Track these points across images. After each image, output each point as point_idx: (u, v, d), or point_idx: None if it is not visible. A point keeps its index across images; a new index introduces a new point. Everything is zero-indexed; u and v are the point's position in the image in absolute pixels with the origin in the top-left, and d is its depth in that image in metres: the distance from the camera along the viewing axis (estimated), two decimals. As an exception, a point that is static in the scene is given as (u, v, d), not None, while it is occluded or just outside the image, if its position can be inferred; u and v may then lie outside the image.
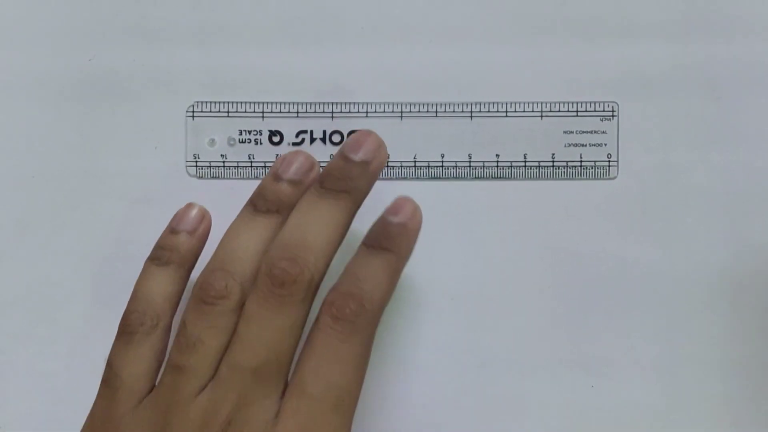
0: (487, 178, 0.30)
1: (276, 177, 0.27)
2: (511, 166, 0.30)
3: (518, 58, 0.30)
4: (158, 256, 0.27)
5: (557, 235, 0.30)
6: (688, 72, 0.30)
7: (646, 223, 0.30)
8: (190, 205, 0.28)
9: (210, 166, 0.30)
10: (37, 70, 0.30)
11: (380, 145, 0.26)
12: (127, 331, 0.26)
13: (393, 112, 0.30)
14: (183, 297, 0.27)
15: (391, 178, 0.30)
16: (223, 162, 0.30)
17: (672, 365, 0.29)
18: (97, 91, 0.30)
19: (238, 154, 0.30)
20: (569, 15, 0.30)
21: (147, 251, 0.29)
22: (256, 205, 0.26)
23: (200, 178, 0.30)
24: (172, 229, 0.27)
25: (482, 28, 0.30)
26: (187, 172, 0.30)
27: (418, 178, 0.30)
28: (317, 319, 0.24)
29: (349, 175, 0.25)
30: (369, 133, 0.26)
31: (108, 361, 0.26)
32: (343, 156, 0.26)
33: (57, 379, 0.30)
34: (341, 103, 0.30)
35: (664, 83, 0.30)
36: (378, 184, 0.26)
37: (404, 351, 0.30)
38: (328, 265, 0.25)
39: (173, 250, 0.27)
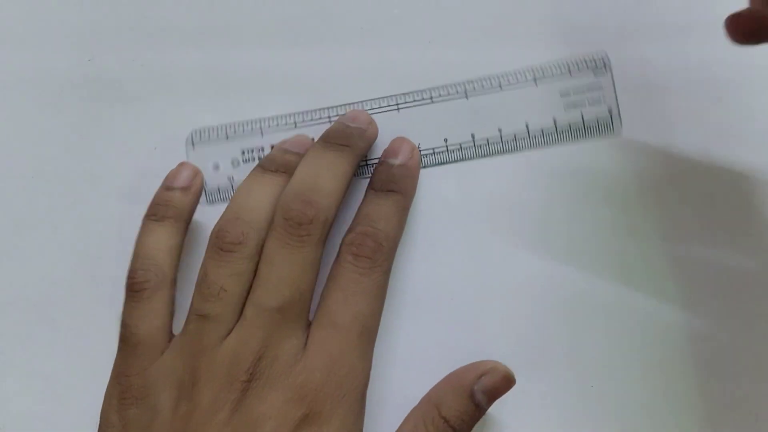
0: (494, 154, 0.30)
1: (283, 150, 0.29)
2: (515, 138, 0.30)
3: (518, 58, 0.30)
4: (155, 212, 0.28)
5: (557, 235, 0.30)
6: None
7: (648, 219, 0.30)
8: (182, 164, 0.29)
9: (219, 190, 0.30)
10: (37, 70, 0.30)
11: (372, 121, 0.29)
12: (134, 289, 0.27)
13: (389, 106, 0.30)
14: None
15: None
16: (231, 184, 0.30)
17: (672, 365, 0.29)
18: (96, 92, 0.30)
19: (245, 173, 0.29)
20: (570, 16, 0.30)
21: None
22: (264, 166, 0.28)
23: (211, 203, 0.30)
24: (166, 187, 0.28)
25: (482, 28, 0.30)
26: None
27: (425, 166, 0.30)
28: (338, 258, 0.27)
29: (349, 134, 0.28)
30: (362, 110, 0.30)
31: (122, 321, 0.27)
32: (341, 123, 0.29)
33: (57, 380, 0.30)
34: (338, 106, 0.30)
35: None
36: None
37: (403, 351, 0.30)
38: (337, 208, 0.27)
39: (168, 205, 0.28)
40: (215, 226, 0.27)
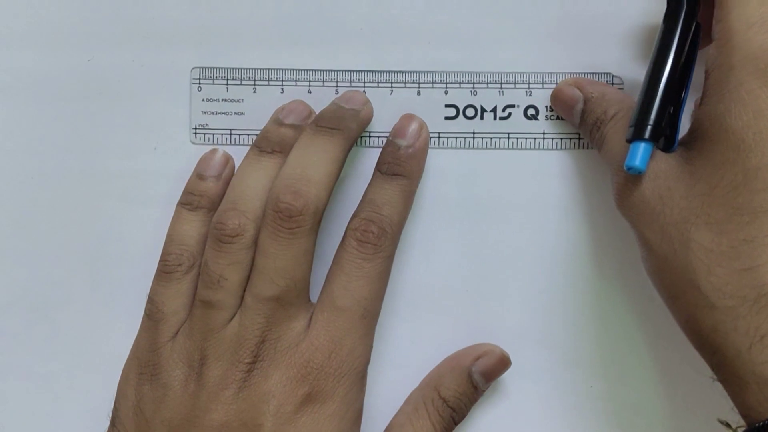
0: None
1: (278, 122, 0.29)
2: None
3: (518, 59, 0.30)
4: (189, 201, 0.29)
5: (557, 235, 0.30)
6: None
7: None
8: (214, 151, 0.30)
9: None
10: (36, 71, 0.30)
11: (367, 101, 0.29)
12: (166, 270, 0.28)
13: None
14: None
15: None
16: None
17: (672, 365, 0.29)
18: (96, 92, 0.30)
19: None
20: (569, 17, 0.30)
21: (146, 251, 0.30)
22: (260, 147, 0.29)
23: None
24: (199, 175, 0.29)
25: (482, 28, 0.30)
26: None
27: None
28: (343, 242, 0.27)
29: (341, 116, 0.28)
30: (357, 91, 0.30)
31: (149, 297, 0.28)
32: (335, 104, 0.29)
33: (56, 380, 0.30)
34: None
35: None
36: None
37: (403, 351, 0.30)
38: (329, 195, 0.27)
39: (203, 195, 0.29)
40: (214, 217, 0.27)
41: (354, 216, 0.28)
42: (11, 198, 0.30)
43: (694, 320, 0.22)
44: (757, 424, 0.21)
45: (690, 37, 0.25)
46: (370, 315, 0.27)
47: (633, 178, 0.24)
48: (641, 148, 0.23)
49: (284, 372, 0.26)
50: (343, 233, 0.28)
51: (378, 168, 0.28)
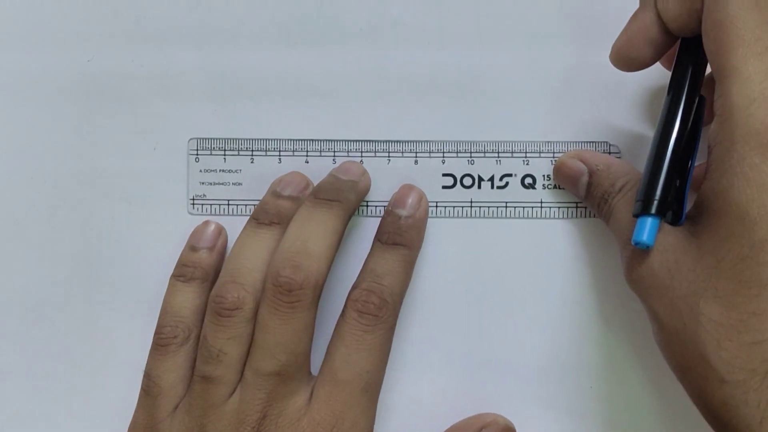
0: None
1: (275, 194, 0.29)
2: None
3: (517, 61, 0.30)
4: (182, 273, 0.29)
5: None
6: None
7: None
8: (206, 223, 0.30)
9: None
10: (36, 71, 0.31)
11: (365, 172, 0.29)
12: (161, 344, 0.28)
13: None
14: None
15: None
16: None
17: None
18: (96, 92, 0.30)
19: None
20: (567, 18, 0.30)
21: (145, 251, 0.30)
22: (258, 219, 0.29)
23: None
24: (192, 247, 0.29)
25: (482, 29, 0.30)
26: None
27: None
28: (343, 314, 0.27)
29: (339, 188, 0.28)
30: (354, 161, 0.30)
31: (146, 372, 0.28)
32: (333, 176, 0.29)
33: (56, 380, 0.30)
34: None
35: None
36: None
37: (403, 353, 0.30)
38: (329, 268, 0.27)
39: (196, 267, 0.29)
40: (213, 290, 0.27)
41: (354, 287, 0.27)
42: (11, 198, 0.31)
43: (705, 394, 0.22)
44: None
45: (694, 110, 0.25)
46: (372, 388, 0.27)
47: (641, 252, 0.24)
48: (648, 223, 0.23)
49: None
50: (342, 303, 0.27)
51: (378, 238, 0.28)
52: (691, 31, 0.24)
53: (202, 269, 0.29)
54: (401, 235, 0.28)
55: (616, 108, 0.30)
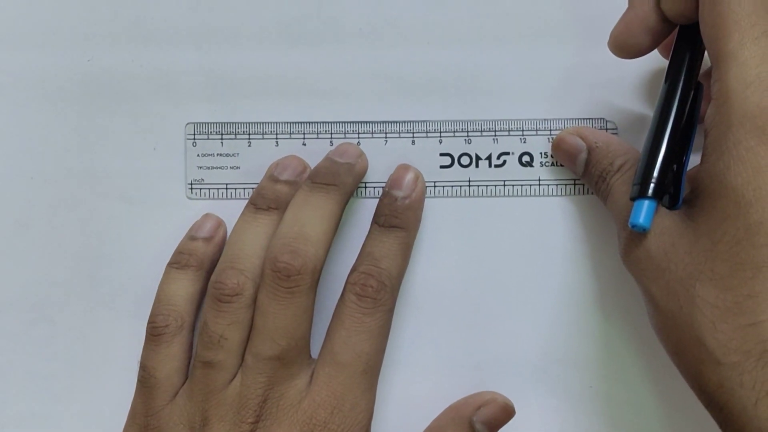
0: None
1: (273, 179, 0.29)
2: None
3: (518, 59, 0.30)
4: (177, 261, 0.29)
5: (555, 234, 0.30)
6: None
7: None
8: (207, 216, 0.30)
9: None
10: (35, 71, 0.30)
11: (362, 154, 0.29)
12: (155, 333, 0.28)
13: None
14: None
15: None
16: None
17: (671, 366, 0.29)
18: (95, 92, 0.30)
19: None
20: (565, 18, 0.30)
21: (145, 251, 0.30)
22: (256, 204, 0.29)
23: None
24: (190, 237, 0.29)
25: (481, 29, 0.30)
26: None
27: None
28: (342, 297, 0.27)
29: (336, 172, 0.28)
30: (351, 143, 0.30)
31: (141, 363, 0.28)
32: (329, 159, 0.29)
33: (56, 380, 0.30)
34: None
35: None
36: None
37: (401, 352, 0.30)
38: (327, 252, 0.27)
39: (191, 254, 0.29)
40: (213, 276, 0.27)
41: (352, 270, 0.28)
42: (10, 198, 0.31)
43: (701, 376, 0.23)
44: None
45: (692, 96, 0.25)
46: (371, 369, 0.27)
47: (638, 234, 0.24)
48: (645, 206, 0.24)
49: (287, 430, 0.26)
50: (341, 287, 0.28)
51: (375, 220, 0.29)
52: (689, 18, 0.24)
53: (197, 257, 0.29)
54: (398, 217, 0.28)
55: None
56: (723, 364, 0.22)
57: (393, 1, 0.30)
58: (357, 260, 0.28)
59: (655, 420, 0.30)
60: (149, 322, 0.28)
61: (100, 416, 0.30)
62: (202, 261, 0.29)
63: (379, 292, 0.27)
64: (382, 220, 0.28)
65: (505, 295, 0.30)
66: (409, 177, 0.29)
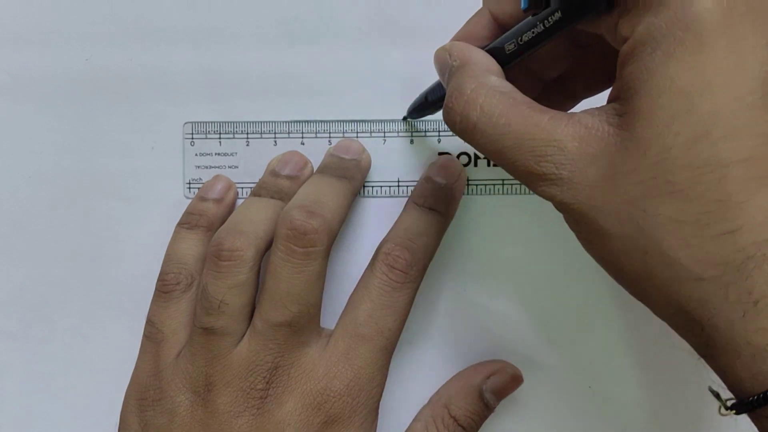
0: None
1: (274, 174, 0.29)
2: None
3: None
4: (187, 221, 0.29)
5: (554, 234, 0.30)
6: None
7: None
8: (217, 177, 0.30)
9: None
10: (34, 71, 0.30)
11: (364, 149, 0.29)
12: (164, 290, 0.27)
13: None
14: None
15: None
16: None
17: (670, 366, 0.29)
18: (94, 92, 0.30)
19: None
20: None
21: (144, 251, 0.30)
22: (259, 194, 0.28)
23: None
24: (200, 197, 0.29)
25: None
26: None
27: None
28: (372, 265, 0.26)
29: (345, 167, 0.28)
30: (352, 139, 0.30)
31: (148, 319, 0.27)
32: (335, 156, 0.29)
33: (54, 380, 0.31)
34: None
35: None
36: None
37: (404, 352, 0.30)
38: (339, 227, 0.26)
39: (202, 215, 0.29)
40: (213, 238, 0.26)
41: (386, 240, 0.27)
42: (9, 198, 0.31)
43: (678, 297, 0.20)
44: (750, 398, 0.19)
45: None
46: (390, 347, 0.26)
47: (568, 172, 0.21)
48: None
49: (299, 399, 0.25)
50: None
51: (414, 200, 0.28)
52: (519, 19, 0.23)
53: (207, 218, 0.28)
54: (438, 202, 0.28)
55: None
56: (704, 279, 0.19)
57: (392, 1, 0.30)
58: (391, 232, 0.27)
59: (654, 420, 0.30)
60: (159, 280, 0.28)
61: (99, 416, 0.30)
62: (211, 222, 0.28)
63: (411, 266, 0.26)
64: (422, 201, 0.28)
65: (503, 295, 0.30)
66: (455, 168, 0.29)
